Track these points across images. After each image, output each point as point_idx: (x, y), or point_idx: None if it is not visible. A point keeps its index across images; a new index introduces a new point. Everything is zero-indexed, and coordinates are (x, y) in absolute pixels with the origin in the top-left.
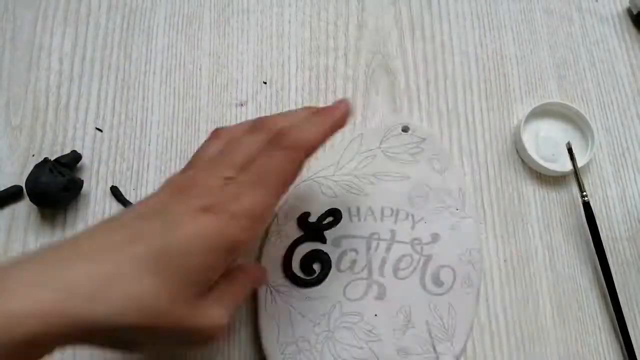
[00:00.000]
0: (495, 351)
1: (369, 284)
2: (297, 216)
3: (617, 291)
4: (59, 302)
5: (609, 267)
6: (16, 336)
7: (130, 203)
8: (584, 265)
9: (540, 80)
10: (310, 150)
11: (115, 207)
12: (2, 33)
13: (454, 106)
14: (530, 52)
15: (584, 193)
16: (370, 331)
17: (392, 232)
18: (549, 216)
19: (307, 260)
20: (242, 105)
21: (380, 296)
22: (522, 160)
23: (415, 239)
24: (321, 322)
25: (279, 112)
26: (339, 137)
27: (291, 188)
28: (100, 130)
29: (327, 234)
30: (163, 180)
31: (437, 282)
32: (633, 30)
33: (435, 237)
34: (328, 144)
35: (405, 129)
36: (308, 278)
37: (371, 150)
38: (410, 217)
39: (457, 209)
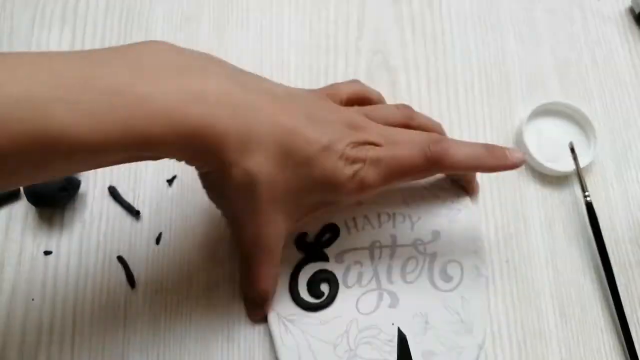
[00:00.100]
0: (497, 351)
1: (380, 294)
2: (294, 238)
3: (620, 292)
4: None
5: (612, 268)
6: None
7: (129, 203)
8: (586, 266)
9: (542, 80)
10: (453, 167)
11: (113, 207)
12: (0, 31)
13: (455, 105)
14: (532, 51)
15: (587, 193)
16: (390, 341)
17: (393, 236)
18: (551, 216)
19: (314, 283)
20: None
21: (394, 304)
22: None
23: (417, 239)
24: (341, 343)
25: None
26: None
27: None
28: None
29: (328, 251)
30: (161, 180)
31: (446, 278)
32: (635, 29)
33: (436, 235)
34: None
35: None
36: (318, 301)
37: None
38: (408, 219)
39: (452, 202)
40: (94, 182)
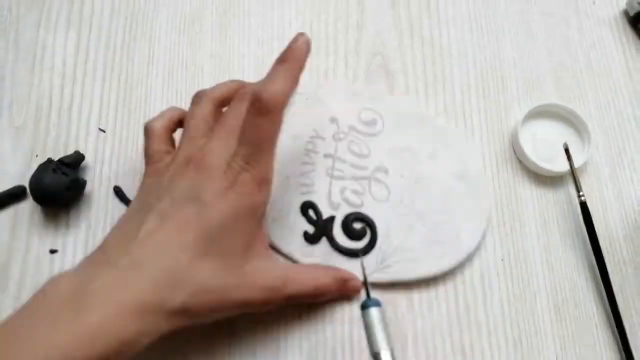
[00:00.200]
0: (493, 348)
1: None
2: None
3: (614, 290)
4: (145, 300)
5: (606, 266)
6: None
7: None
8: (580, 264)
9: (538, 82)
10: (285, 102)
11: (118, 207)
12: (5, 34)
13: (452, 107)
14: (528, 54)
15: (581, 193)
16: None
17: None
18: (546, 216)
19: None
20: None
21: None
22: (519, 161)
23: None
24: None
25: None
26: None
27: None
28: (104, 131)
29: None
30: None
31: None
32: (630, 32)
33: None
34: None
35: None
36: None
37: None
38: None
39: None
40: (100, 181)
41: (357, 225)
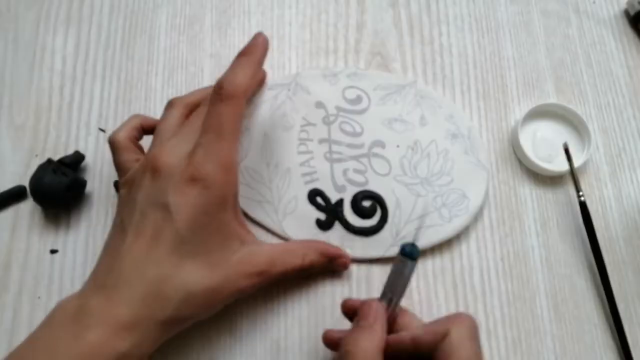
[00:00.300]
0: (492, 348)
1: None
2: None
3: (613, 290)
4: (139, 315)
5: (605, 266)
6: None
7: None
8: (580, 264)
9: (538, 82)
10: (247, 91)
11: None
12: (5, 33)
13: None
14: (528, 53)
15: (581, 193)
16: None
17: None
18: (545, 216)
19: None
20: None
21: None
22: (519, 161)
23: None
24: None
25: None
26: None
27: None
28: (103, 131)
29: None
30: None
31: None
32: (630, 31)
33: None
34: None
35: None
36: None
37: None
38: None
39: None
40: (100, 181)
41: (366, 203)
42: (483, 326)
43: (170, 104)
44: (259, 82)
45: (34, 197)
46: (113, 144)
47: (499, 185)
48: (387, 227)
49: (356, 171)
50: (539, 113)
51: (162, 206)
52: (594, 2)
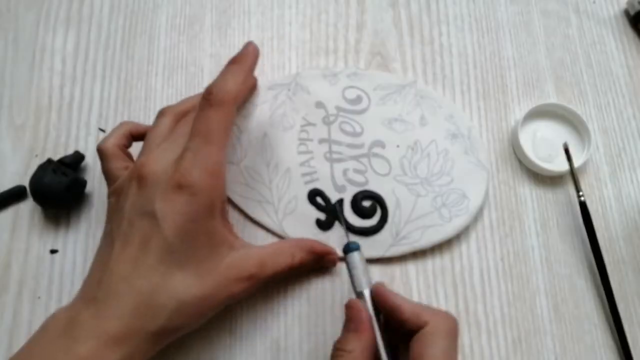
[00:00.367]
0: (492, 348)
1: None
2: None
3: (613, 290)
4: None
5: (605, 266)
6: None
7: None
8: (580, 264)
9: (538, 82)
10: (237, 97)
11: None
12: (4, 33)
13: None
14: (528, 53)
15: (581, 193)
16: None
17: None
18: (545, 216)
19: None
20: None
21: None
22: (519, 161)
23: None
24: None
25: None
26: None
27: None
28: (103, 131)
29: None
30: None
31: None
32: (630, 31)
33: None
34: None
35: None
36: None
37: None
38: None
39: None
40: (100, 181)
41: (366, 203)
42: (483, 326)
43: (161, 113)
44: (250, 88)
45: (34, 197)
46: (101, 152)
47: (499, 185)
48: (387, 227)
49: (356, 171)
50: (539, 113)
51: (149, 215)
52: (594, 2)
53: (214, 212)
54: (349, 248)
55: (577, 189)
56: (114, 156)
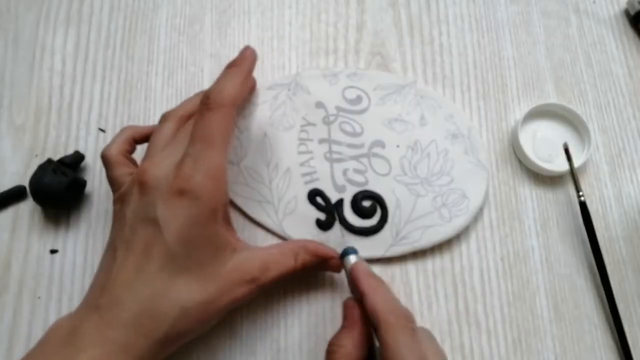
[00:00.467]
0: (492, 348)
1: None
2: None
3: (613, 290)
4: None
5: (605, 266)
6: None
7: None
8: (580, 264)
9: (538, 82)
10: (236, 100)
11: None
12: (4, 33)
13: None
14: (528, 53)
15: (581, 193)
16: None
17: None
18: (545, 216)
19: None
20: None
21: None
22: (519, 161)
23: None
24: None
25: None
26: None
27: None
28: (103, 131)
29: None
30: None
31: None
32: (630, 31)
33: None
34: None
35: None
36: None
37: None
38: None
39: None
40: (100, 181)
41: (366, 203)
42: (483, 326)
43: (163, 118)
44: (249, 90)
45: (34, 197)
46: (105, 159)
47: (499, 185)
48: (387, 227)
49: (356, 171)
50: (539, 113)
51: (151, 221)
52: (594, 2)
53: (216, 216)
54: (346, 252)
55: (577, 189)
56: (118, 163)
